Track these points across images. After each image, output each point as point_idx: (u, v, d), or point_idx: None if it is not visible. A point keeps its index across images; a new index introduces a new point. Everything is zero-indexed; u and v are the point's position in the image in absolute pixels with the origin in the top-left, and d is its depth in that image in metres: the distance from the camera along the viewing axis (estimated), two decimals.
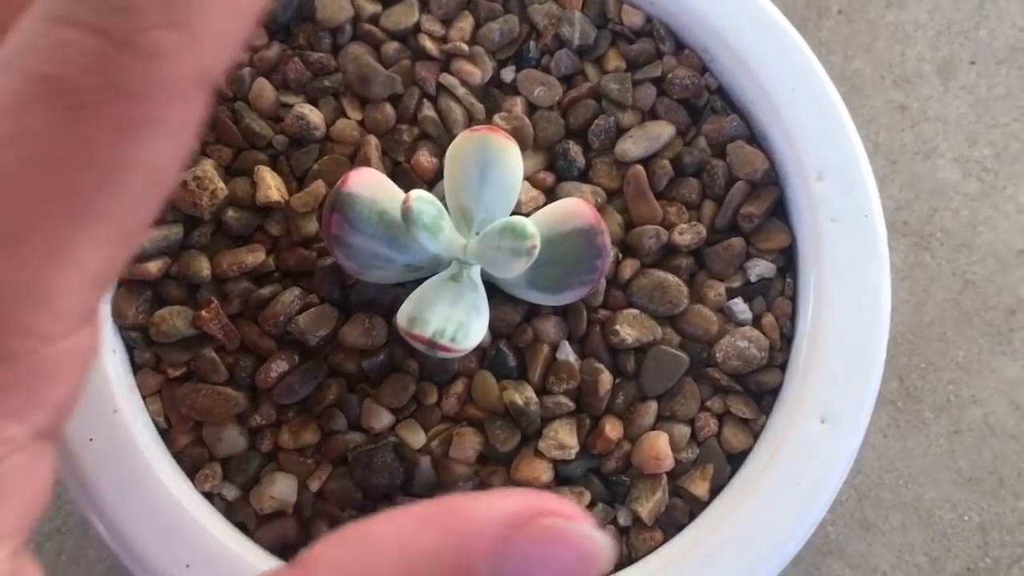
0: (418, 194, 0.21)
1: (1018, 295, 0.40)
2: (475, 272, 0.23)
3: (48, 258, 0.13)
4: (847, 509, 0.38)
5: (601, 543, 0.14)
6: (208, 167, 0.24)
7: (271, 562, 0.22)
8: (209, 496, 0.23)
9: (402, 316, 0.21)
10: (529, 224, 0.21)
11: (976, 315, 0.40)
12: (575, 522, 0.14)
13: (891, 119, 0.41)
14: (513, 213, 0.23)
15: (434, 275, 0.23)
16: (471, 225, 0.23)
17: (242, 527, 0.23)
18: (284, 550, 0.23)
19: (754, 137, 0.26)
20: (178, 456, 0.23)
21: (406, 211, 0.20)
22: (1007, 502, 0.38)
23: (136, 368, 0.23)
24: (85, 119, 0.13)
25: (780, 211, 0.25)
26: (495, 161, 0.22)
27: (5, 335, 0.13)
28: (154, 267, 0.23)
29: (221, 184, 0.24)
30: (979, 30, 0.43)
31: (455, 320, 0.21)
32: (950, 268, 0.40)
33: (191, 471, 0.23)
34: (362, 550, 0.14)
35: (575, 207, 0.22)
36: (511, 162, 0.22)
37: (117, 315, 0.23)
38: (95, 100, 0.13)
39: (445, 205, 0.22)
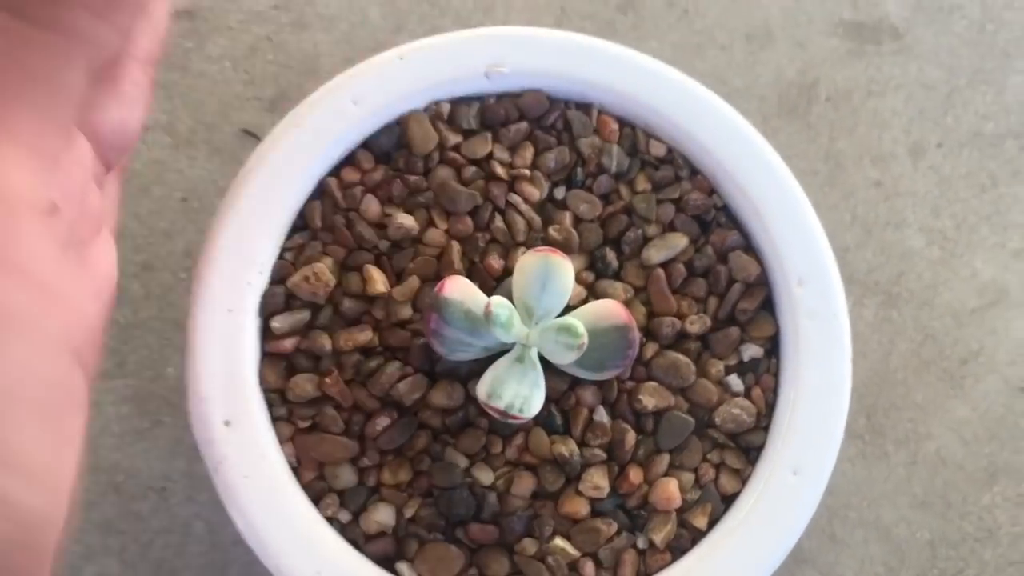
0: (497, 300, 0.28)
1: (970, 348, 0.46)
2: (534, 353, 0.30)
3: None
4: (819, 525, 0.44)
5: None
6: (321, 265, 0.31)
7: (378, 571, 0.29)
8: (329, 519, 0.30)
9: (481, 391, 0.28)
10: (580, 326, 0.28)
11: (934, 364, 0.46)
12: None
13: (868, 193, 0.48)
14: (563, 308, 0.30)
15: (502, 354, 0.30)
16: (532, 318, 0.29)
17: (354, 543, 0.30)
18: (386, 561, 0.30)
19: (750, 247, 0.32)
20: (305, 488, 0.30)
21: (488, 313, 0.28)
22: (954, 523, 0.45)
23: (274, 420, 0.30)
24: None
25: (768, 307, 0.32)
26: (553, 274, 0.29)
27: None
28: (289, 344, 0.30)
29: (332, 277, 0.31)
30: (946, 117, 0.49)
31: (521, 396, 0.28)
32: (913, 323, 0.47)
33: (315, 499, 0.30)
34: None
35: (613, 308, 0.29)
36: (565, 276, 0.29)
37: (263, 381, 0.30)
38: None
39: (511, 300, 0.29)
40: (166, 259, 0.44)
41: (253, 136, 0.46)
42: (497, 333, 0.28)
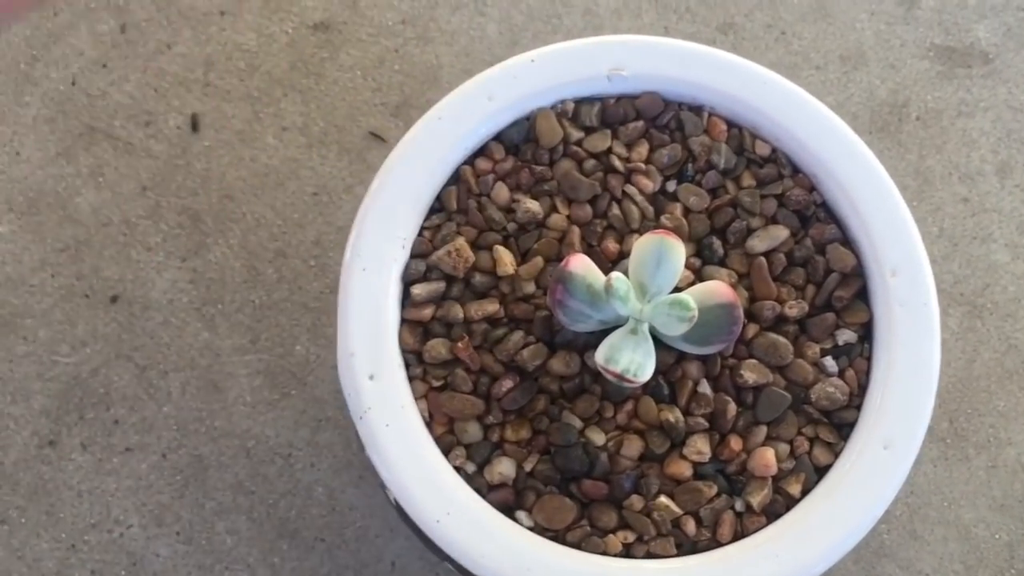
0: (616, 275, 0.31)
1: None
2: (646, 327, 0.33)
3: None
4: (901, 523, 0.46)
5: None
6: (463, 241, 0.34)
7: (499, 516, 0.32)
8: (457, 469, 0.33)
9: (600, 356, 0.32)
10: (692, 301, 0.31)
11: (1016, 373, 0.48)
12: None
13: (955, 208, 0.50)
14: (674, 288, 0.33)
15: (616, 328, 0.33)
16: (646, 295, 0.32)
17: (478, 492, 0.33)
18: (506, 509, 0.33)
19: (847, 241, 0.35)
20: (437, 440, 0.33)
21: (608, 287, 0.31)
22: None
23: (410, 379, 0.34)
24: None
25: (863, 296, 0.35)
26: (667, 254, 0.32)
27: None
28: (427, 311, 0.34)
29: (471, 254, 0.34)
30: None
31: (636, 362, 0.31)
32: (997, 333, 0.49)
33: (445, 451, 0.33)
34: None
35: (720, 288, 0.32)
36: (677, 256, 0.32)
37: (402, 342, 0.34)
38: None
39: (629, 280, 0.33)
40: (297, 247, 0.48)
41: (379, 138, 0.50)
42: (616, 305, 0.31)
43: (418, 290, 0.34)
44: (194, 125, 0.50)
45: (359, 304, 0.33)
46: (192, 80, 0.51)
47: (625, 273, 0.33)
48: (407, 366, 0.34)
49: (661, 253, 0.32)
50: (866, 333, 0.34)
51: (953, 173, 0.51)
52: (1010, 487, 0.47)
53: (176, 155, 0.49)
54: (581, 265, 0.32)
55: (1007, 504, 0.46)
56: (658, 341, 0.33)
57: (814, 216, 0.35)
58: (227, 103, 0.50)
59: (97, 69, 0.51)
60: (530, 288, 0.34)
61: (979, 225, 0.50)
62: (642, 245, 0.32)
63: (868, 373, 0.34)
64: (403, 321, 0.34)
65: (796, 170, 0.36)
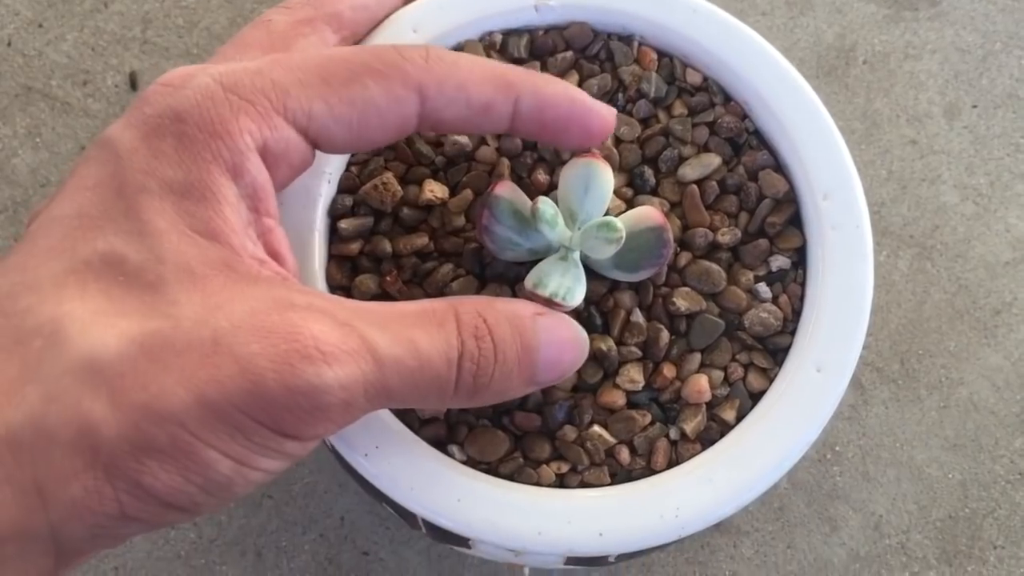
0: (543, 199, 0.30)
1: (1003, 298, 0.48)
2: (577, 255, 0.32)
3: None
4: (853, 464, 0.46)
5: (584, 338, 0.31)
6: (390, 176, 0.34)
7: (431, 450, 0.32)
8: None
9: (528, 281, 0.31)
10: (618, 222, 0.30)
11: (967, 313, 0.48)
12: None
13: (903, 151, 0.50)
14: (604, 215, 0.33)
15: (548, 257, 0.33)
16: (576, 222, 0.32)
17: (409, 427, 0.33)
18: (438, 444, 0.32)
19: (779, 167, 0.35)
20: None
21: (534, 210, 0.30)
22: (985, 465, 0.46)
23: None
24: None
25: (796, 221, 0.34)
26: (595, 179, 0.31)
27: None
28: (354, 247, 0.33)
29: (398, 187, 0.34)
30: (981, 79, 0.51)
31: (565, 286, 0.31)
32: (947, 274, 0.49)
33: None
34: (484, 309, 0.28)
35: (649, 212, 0.32)
36: (606, 180, 0.32)
37: (329, 279, 0.33)
38: None
39: (558, 208, 0.32)
40: None
41: None
42: (543, 230, 0.31)
43: (345, 224, 0.33)
44: (132, 83, 0.49)
45: None
46: (130, 38, 0.50)
47: (555, 202, 0.32)
48: None
49: (588, 178, 0.31)
50: (800, 258, 0.34)
51: (901, 115, 0.50)
52: (962, 427, 0.46)
53: (115, 114, 0.49)
54: (508, 190, 0.32)
55: (960, 444, 0.46)
56: (590, 271, 0.33)
57: (746, 143, 0.35)
58: (166, 60, 0.50)
59: (33, 29, 0.50)
60: (460, 221, 0.34)
61: (928, 167, 0.50)
62: (569, 171, 0.32)
63: (802, 298, 0.34)
64: (331, 257, 0.34)
65: (728, 98, 0.36)
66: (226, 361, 0.24)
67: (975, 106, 0.51)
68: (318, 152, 0.29)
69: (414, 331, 0.27)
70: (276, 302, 0.25)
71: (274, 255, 0.27)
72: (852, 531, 0.45)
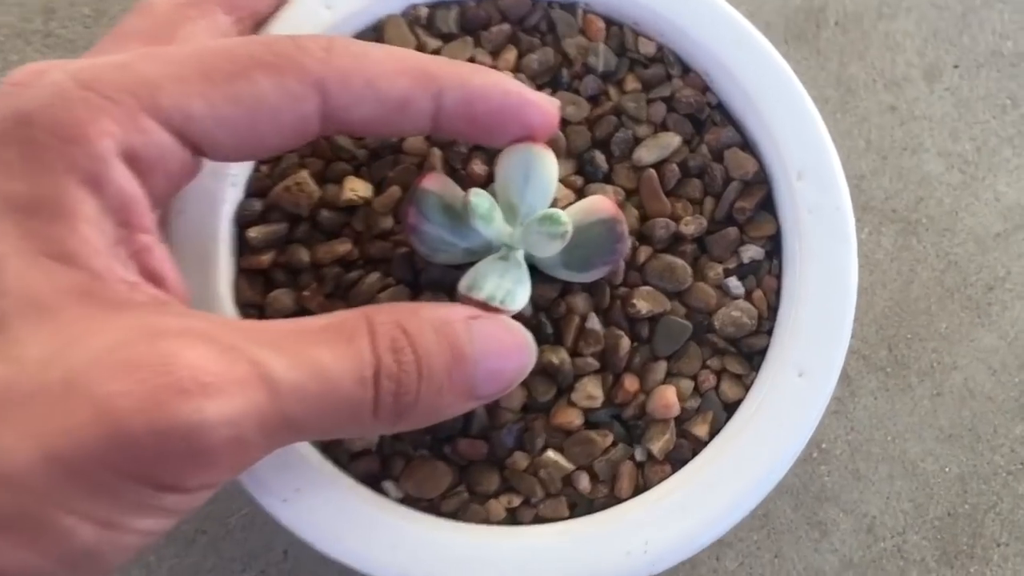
0: (476, 191, 0.26)
1: (995, 273, 0.44)
2: (520, 254, 0.28)
3: None
4: (841, 463, 0.43)
5: (530, 341, 0.27)
6: (305, 175, 0.30)
7: (362, 490, 0.28)
8: None
9: (462, 285, 0.27)
10: (563, 214, 0.26)
11: (957, 291, 0.44)
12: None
13: (882, 118, 0.46)
14: (550, 207, 0.29)
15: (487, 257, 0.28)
16: (517, 217, 0.28)
17: (337, 462, 0.29)
18: (371, 480, 0.28)
19: (746, 144, 0.31)
20: None
21: (466, 204, 0.26)
22: (984, 456, 0.43)
23: None
24: None
25: (768, 205, 0.30)
26: (536, 166, 0.27)
27: None
28: (267, 258, 0.29)
29: (315, 187, 0.30)
30: (962, 37, 0.47)
31: (504, 288, 0.27)
32: (934, 250, 0.45)
33: None
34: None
35: (600, 203, 0.28)
36: (549, 167, 0.28)
37: (238, 296, 0.29)
38: None
39: (497, 202, 0.28)
40: None
41: None
42: (478, 226, 0.26)
43: (255, 233, 0.29)
44: None
45: (183, 254, 0.28)
46: (31, 31, 0.45)
47: (494, 196, 0.28)
48: None
49: (528, 166, 0.27)
50: (774, 247, 0.30)
51: (878, 80, 0.47)
52: (957, 415, 0.43)
53: None
54: (437, 183, 0.28)
55: (955, 434, 0.43)
56: (538, 272, 0.29)
57: (709, 119, 0.31)
58: (72, 54, 0.45)
59: None
60: (387, 223, 0.30)
61: (909, 134, 0.46)
62: (506, 159, 0.28)
63: (778, 292, 0.30)
64: (239, 271, 0.29)
65: (686, 69, 0.31)
66: (79, 406, 0.19)
67: (956, 66, 0.47)
68: None
69: (317, 349, 0.22)
70: (145, 331, 0.21)
71: (152, 276, 0.23)
72: (844, 535, 0.42)
